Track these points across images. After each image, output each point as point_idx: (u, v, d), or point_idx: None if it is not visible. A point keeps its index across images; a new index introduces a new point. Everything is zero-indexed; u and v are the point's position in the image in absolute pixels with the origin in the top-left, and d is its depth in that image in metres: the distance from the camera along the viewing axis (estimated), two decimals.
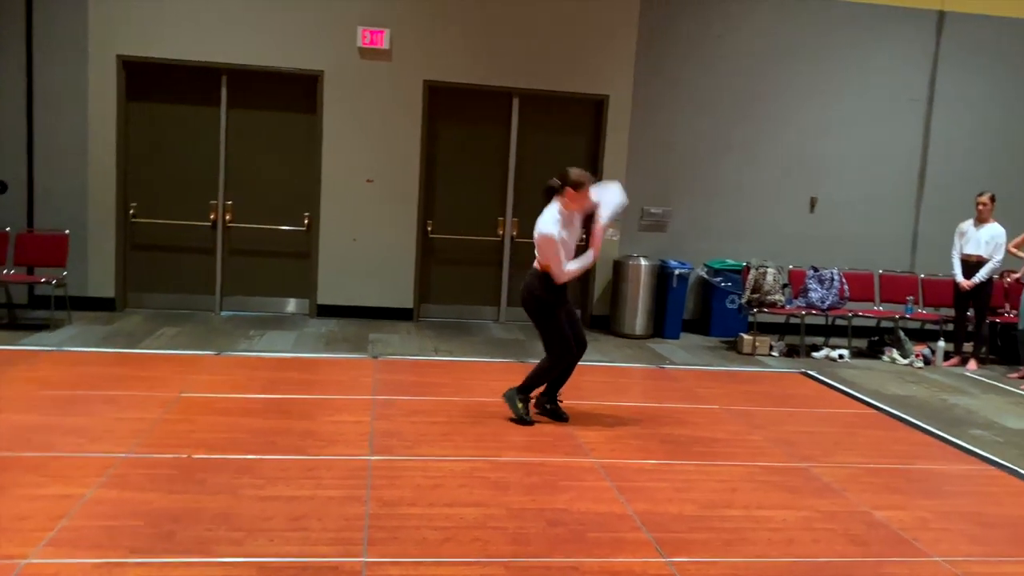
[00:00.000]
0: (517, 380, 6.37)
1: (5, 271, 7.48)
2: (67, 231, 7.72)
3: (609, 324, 8.84)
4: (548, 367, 5.29)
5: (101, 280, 8.22)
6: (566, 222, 5.18)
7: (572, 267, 5.23)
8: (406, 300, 8.75)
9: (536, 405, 5.46)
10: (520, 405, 5.29)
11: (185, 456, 4.36)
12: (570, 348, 5.26)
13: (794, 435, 5.45)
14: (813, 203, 9.30)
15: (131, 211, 8.33)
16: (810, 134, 9.23)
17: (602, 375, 6.92)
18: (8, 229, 7.61)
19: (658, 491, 4.29)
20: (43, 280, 7.36)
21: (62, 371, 5.93)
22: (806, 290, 8.48)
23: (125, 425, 4.80)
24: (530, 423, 5.24)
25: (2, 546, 3.26)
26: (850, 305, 8.57)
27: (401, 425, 5.11)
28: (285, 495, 3.94)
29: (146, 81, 8.24)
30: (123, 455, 4.32)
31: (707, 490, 4.35)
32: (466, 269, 9.00)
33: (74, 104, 8.01)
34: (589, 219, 5.35)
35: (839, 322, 8.73)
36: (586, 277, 9.05)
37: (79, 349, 6.65)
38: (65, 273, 7.55)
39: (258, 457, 4.42)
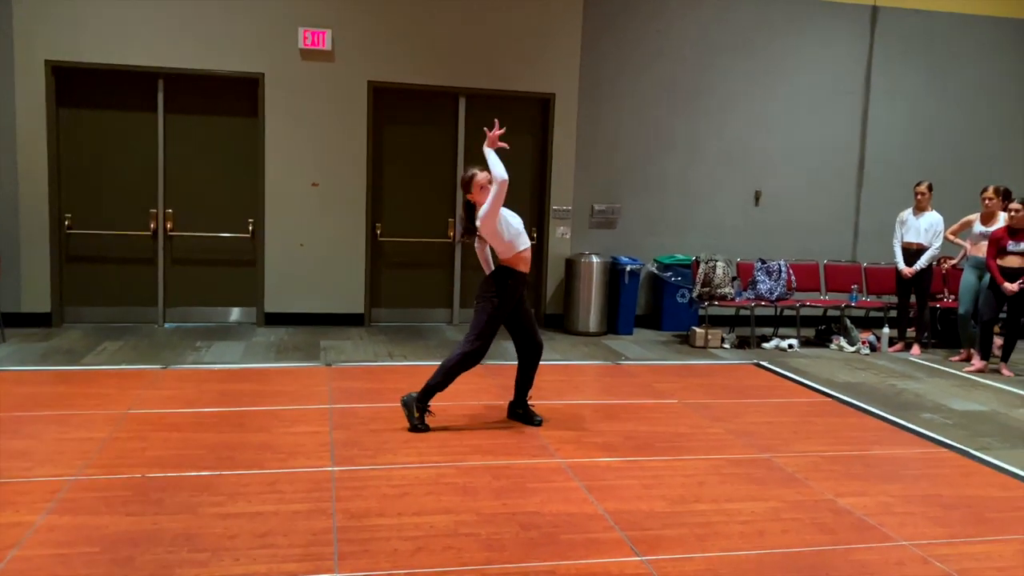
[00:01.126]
0: (474, 382, 6.36)
1: None
2: None
3: (563, 322, 8.84)
4: (458, 362, 5.08)
5: (36, 295, 7.89)
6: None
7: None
8: (356, 305, 8.61)
9: (508, 412, 5.42)
10: (417, 415, 5.06)
11: (139, 476, 4.19)
12: (483, 352, 5.09)
13: (753, 426, 5.51)
14: (758, 196, 9.45)
15: (66, 222, 8.01)
16: (752, 128, 9.38)
17: (559, 374, 6.90)
18: None
19: (627, 489, 4.28)
20: None
21: (1, 392, 5.65)
22: (754, 282, 8.60)
23: (72, 446, 4.59)
24: (427, 429, 5.06)
25: None
26: (797, 295, 8.73)
27: (361, 434, 5.01)
28: (248, 511, 3.81)
29: (78, 87, 7.93)
30: (72, 477, 4.13)
31: (675, 485, 4.36)
32: (417, 272, 8.90)
33: (1, 112, 7.66)
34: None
35: (787, 312, 8.89)
36: (538, 276, 9.04)
37: (16, 368, 6.36)
38: None
39: (216, 473, 4.27)
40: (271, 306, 8.43)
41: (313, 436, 4.94)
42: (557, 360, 7.38)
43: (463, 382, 6.35)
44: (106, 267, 8.20)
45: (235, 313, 8.56)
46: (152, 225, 8.21)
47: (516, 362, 5.36)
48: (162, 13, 7.86)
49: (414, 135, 8.72)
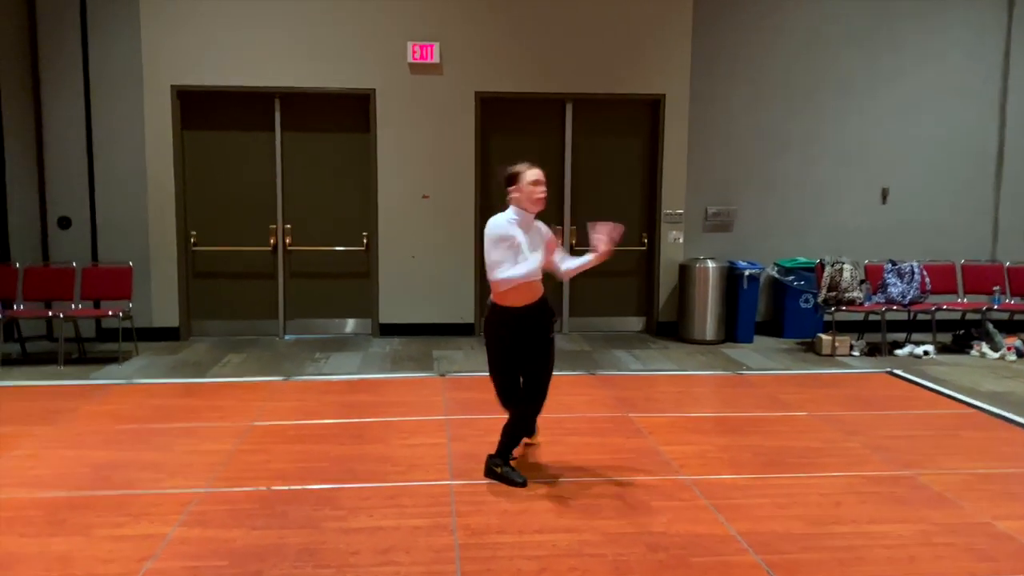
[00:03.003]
0: (589, 393, 6.23)
1: (73, 306, 7.53)
2: (131, 263, 7.74)
3: (677, 330, 8.57)
4: (511, 418, 4.42)
5: (165, 310, 8.25)
6: (523, 223, 4.26)
7: (512, 273, 4.15)
8: (467, 315, 8.60)
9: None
10: (500, 470, 4.38)
11: (264, 488, 4.25)
12: (508, 396, 4.37)
13: (891, 440, 5.14)
14: (885, 194, 8.92)
15: (192, 239, 8.35)
16: (877, 121, 8.87)
17: (676, 384, 6.67)
18: (74, 264, 7.67)
19: (758, 508, 4.04)
20: (110, 313, 7.38)
21: (134, 404, 5.90)
22: (885, 285, 8.11)
23: (201, 458, 4.71)
24: (523, 483, 4.30)
25: None
26: (932, 298, 8.17)
27: (478, 446, 4.92)
28: (369, 526, 3.79)
29: (200, 109, 8.26)
30: (202, 490, 4.23)
31: (811, 505, 4.09)
32: None
33: (132, 136, 8.06)
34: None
35: (921, 317, 8.34)
36: (650, 283, 8.82)
37: (149, 381, 6.63)
38: (131, 305, 7.57)
39: (338, 486, 4.28)
40: (386, 317, 8.54)
41: (431, 448, 4.91)
42: (673, 371, 7.14)
43: (572, 392, 6.27)
44: (229, 282, 8.49)
45: (352, 324, 8.71)
46: (272, 240, 8.45)
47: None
48: (277, 35, 8.09)
49: (521, 143, 8.65)
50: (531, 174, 4.23)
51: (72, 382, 6.58)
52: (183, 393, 6.28)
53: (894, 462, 4.73)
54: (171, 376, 6.83)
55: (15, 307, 7.41)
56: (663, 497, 4.17)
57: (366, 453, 4.82)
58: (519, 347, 4.31)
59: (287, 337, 8.52)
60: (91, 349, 7.77)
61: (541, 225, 4.41)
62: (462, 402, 6.00)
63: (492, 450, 4.62)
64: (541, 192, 4.23)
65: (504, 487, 4.28)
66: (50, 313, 7.23)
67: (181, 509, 3.97)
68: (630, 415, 5.64)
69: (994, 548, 3.62)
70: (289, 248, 8.49)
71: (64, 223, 8.07)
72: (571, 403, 5.97)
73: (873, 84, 8.83)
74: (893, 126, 8.88)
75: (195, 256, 8.42)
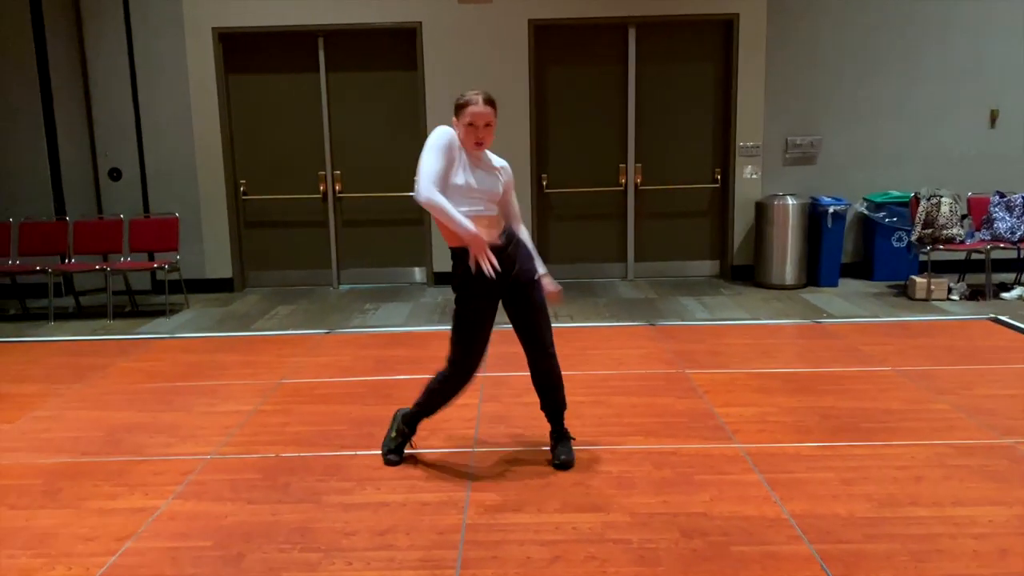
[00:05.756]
0: (645, 347, 5.70)
1: (121, 259, 7.43)
2: (176, 214, 7.57)
3: (753, 274, 7.88)
4: (440, 383, 3.73)
5: (218, 261, 8.10)
6: (464, 157, 3.52)
7: (435, 200, 3.40)
8: None
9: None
10: (394, 435, 3.85)
11: (272, 456, 3.95)
12: (471, 362, 3.68)
13: (990, 401, 4.45)
14: (994, 117, 7.88)
15: (241, 188, 8.13)
16: (985, 35, 7.79)
17: (745, 336, 6.05)
18: (121, 216, 7.55)
19: (821, 484, 3.47)
20: (156, 265, 7.25)
21: (170, 360, 5.72)
22: (991, 220, 7.19)
23: (217, 420, 4.46)
24: (396, 461, 3.79)
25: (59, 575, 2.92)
26: None
27: (512, 407, 4.52)
28: (373, 501, 3.43)
29: (243, 52, 7.95)
30: (208, 456, 3.96)
31: (884, 480, 3.50)
32: (587, 224, 8.26)
33: (176, 83, 7.83)
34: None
35: None
36: (723, 223, 8.13)
37: (190, 335, 6.47)
38: (178, 257, 7.42)
39: (350, 453, 3.95)
40: (439, 265, 8.17)
41: (459, 409, 4.50)
42: (744, 320, 6.51)
43: (628, 346, 5.75)
44: (282, 231, 8.27)
45: (406, 273, 8.39)
46: (322, 187, 8.15)
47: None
48: None
49: (580, 74, 8.02)
50: (469, 112, 3.42)
51: (116, 337, 6.47)
52: (221, 348, 6.07)
53: (991, 428, 4.06)
54: (216, 330, 6.66)
55: (67, 261, 7.36)
56: (709, 470, 3.65)
57: (390, 415, 4.45)
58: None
59: (342, 287, 8.27)
60: (144, 302, 7.70)
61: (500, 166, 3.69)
62: (504, 357, 5.51)
63: (526, 411, 4.18)
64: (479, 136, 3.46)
65: (528, 455, 3.84)
66: (97, 267, 7.14)
67: (181, 479, 3.71)
68: (687, 371, 5.10)
69: None
70: (339, 195, 8.17)
71: (115, 175, 7.96)
72: (623, 358, 5.47)
73: None
74: (1007, 37, 7.79)
75: (246, 205, 8.20)
